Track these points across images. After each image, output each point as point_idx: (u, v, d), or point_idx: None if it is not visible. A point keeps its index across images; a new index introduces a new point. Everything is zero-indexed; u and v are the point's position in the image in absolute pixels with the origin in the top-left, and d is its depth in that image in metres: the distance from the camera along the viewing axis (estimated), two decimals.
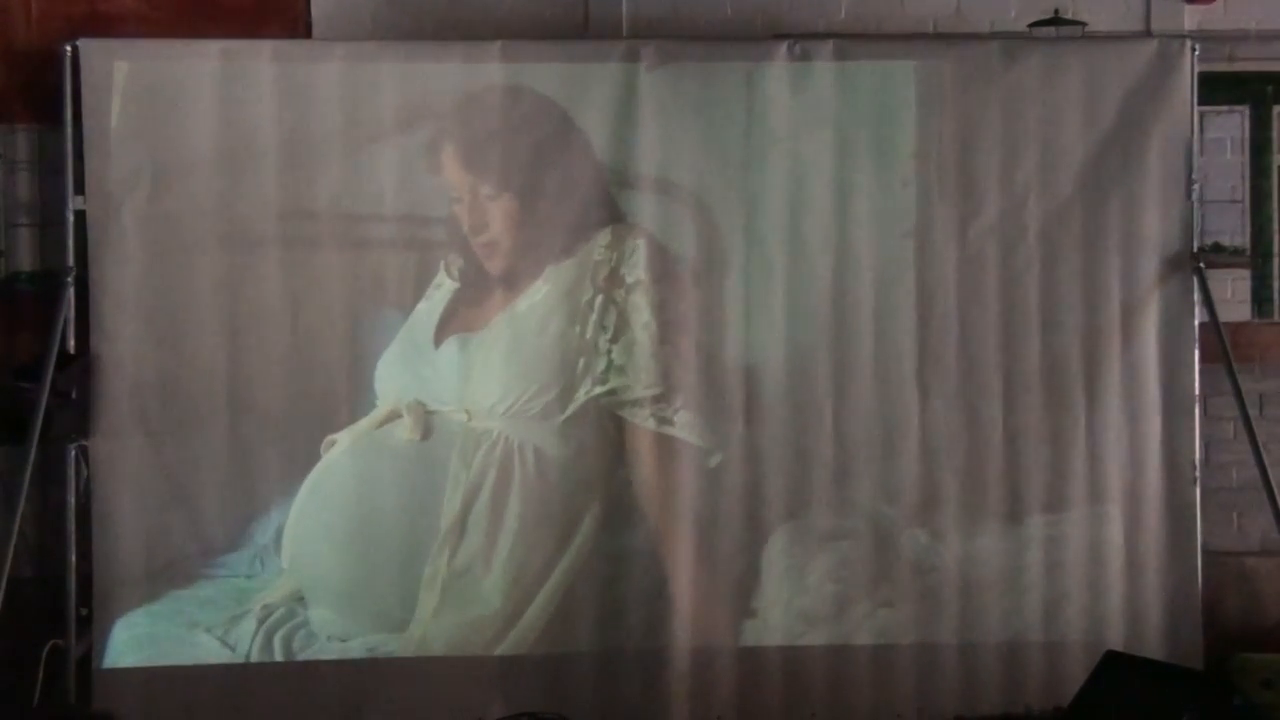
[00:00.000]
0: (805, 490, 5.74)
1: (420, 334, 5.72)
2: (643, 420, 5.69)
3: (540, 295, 5.69)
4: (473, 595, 5.65)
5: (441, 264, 5.72)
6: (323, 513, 5.65)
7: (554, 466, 5.68)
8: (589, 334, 5.68)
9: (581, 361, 5.68)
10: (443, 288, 5.73)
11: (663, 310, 5.70)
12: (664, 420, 5.69)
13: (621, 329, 5.69)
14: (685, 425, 5.70)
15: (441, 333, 5.72)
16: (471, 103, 5.70)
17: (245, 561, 5.66)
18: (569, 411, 5.67)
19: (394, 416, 5.67)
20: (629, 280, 5.69)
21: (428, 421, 5.66)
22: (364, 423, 5.66)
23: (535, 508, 5.66)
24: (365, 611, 5.65)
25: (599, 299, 5.68)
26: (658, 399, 5.69)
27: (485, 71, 5.69)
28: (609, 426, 5.70)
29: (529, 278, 5.71)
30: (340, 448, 5.65)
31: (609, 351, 5.68)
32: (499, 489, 5.65)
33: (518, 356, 5.69)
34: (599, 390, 5.68)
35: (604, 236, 5.70)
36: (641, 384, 5.69)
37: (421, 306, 5.72)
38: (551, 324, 5.69)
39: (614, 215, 5.73)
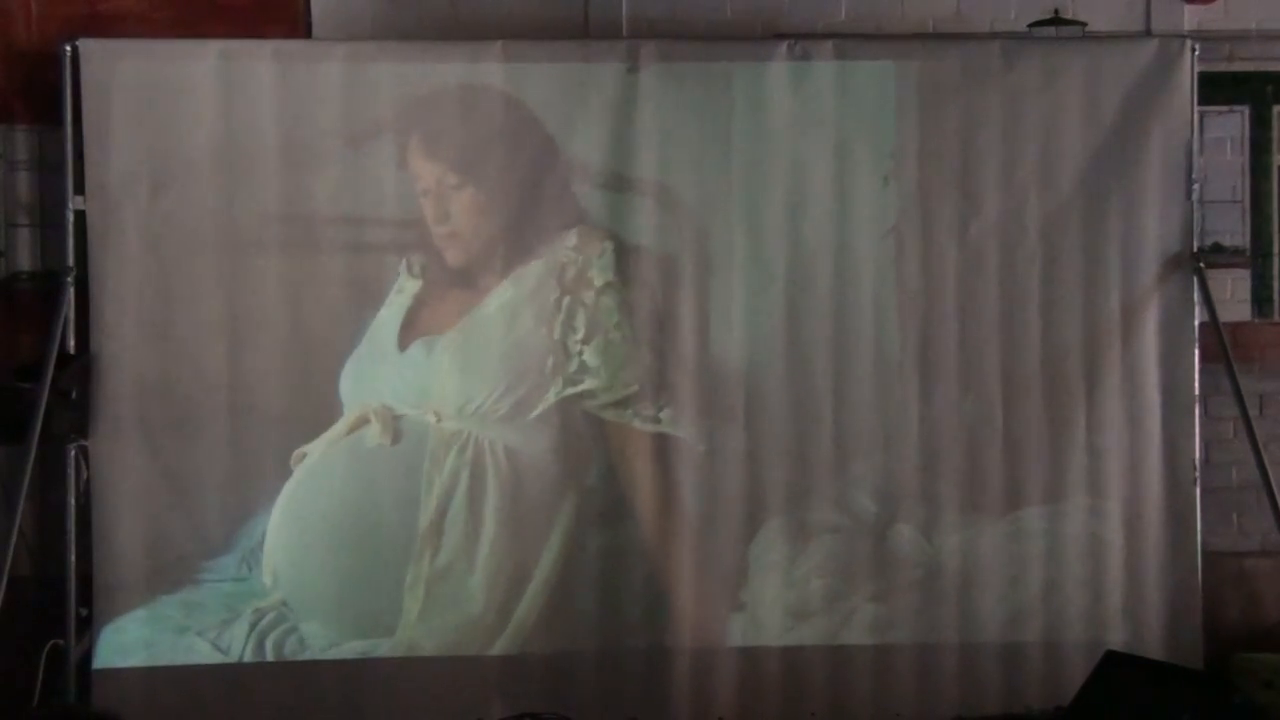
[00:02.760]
0: (794, 485, 5.74)
1: (384, 339, 5.69)
2: (619, 418, 5.69)
3: (506, 296, 5.69)
4: (457, 596, 5.65)
5: (403, 263, 5.71)
6: (301, 527, 5.63)
7: (527, 464, 5.67)
8: (556, 333, 5.67)
9: (550, 361, 5.67)
10: (404, 291, 5.71)
11: (636, 311, 5.69)
12: (644, 419, 5.68)
13: (593, 331, 5.68)
14: (666, 423, 5.68)
15: (406, 335, 5.71)
16: (433, 99, 5.69)
17: (233, 565, 5.64)
18: (538, 411, 5.66)
19: (362, 423, 5.65)
20: (598, 283, 5.68)
21: (396, 426, 5.66)
22: (332, 432, 5.65)
23: (511, 505, 5.66)
24: (351, 621, 5.64)
25: (566, 300, 5.67)
26: (634, 399, 5.68)
27: (442, 72, 5.69)
28: (581, 425, 5.69)
29: (491, 275, 5.71)
30: (311, 459, 5.64)
31: (580, 353, 5.68)
32: (474, 489, 5.64)
33: (484, 357, 5.68)
34: (570, 392, 5.67)
35: (571, 238, 5.70)
36: (619, 384, 5.69)
37: (384, 313, 5.69)
38: (517, 324, 5.68)
39: (578, 214, 5.72)
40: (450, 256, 5.72)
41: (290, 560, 5.64)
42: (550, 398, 5.66)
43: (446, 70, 5.70)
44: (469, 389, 5.66)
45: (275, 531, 5.63)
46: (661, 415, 5.70)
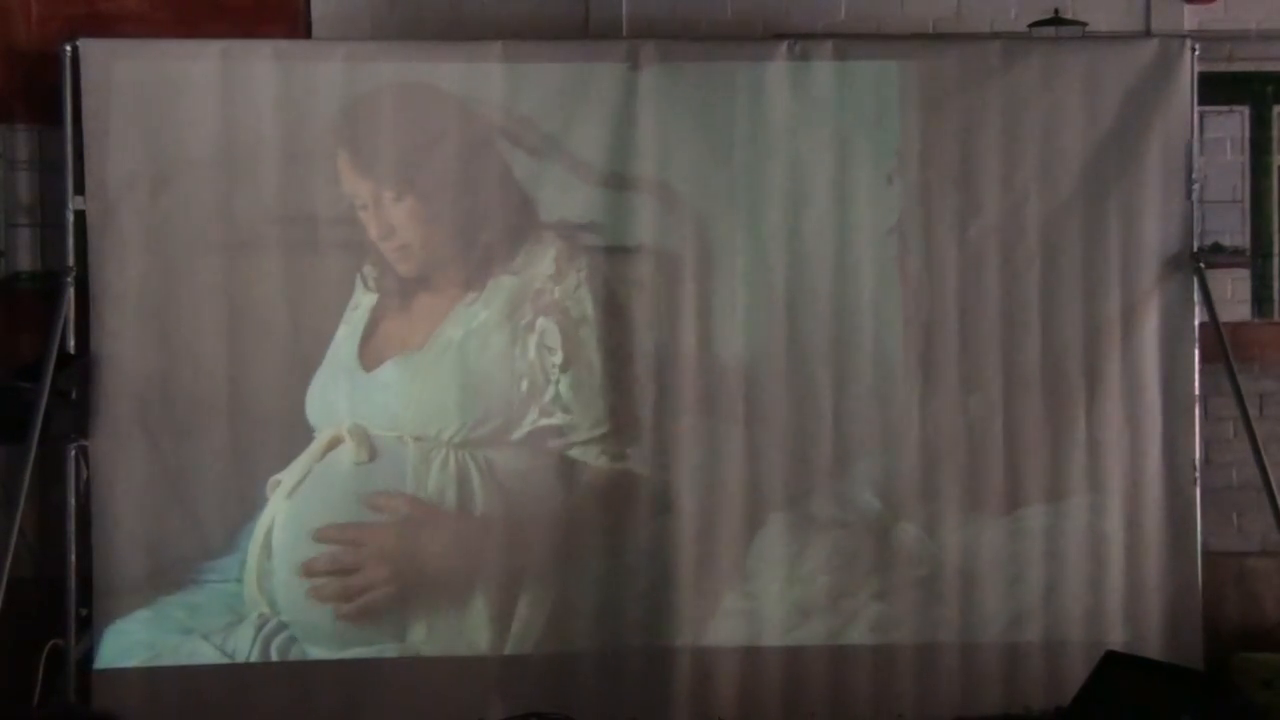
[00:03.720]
0: (795, 484, 5.73)
1: (345, 358, 5.66)
2: (593, 459, 5.66)
3: (478, 320, 5.65)
4: (462, 611, 5.64)
5: (357, 277, 5.67)
6: (292, 556, 5.60)
7: (511, 476, 5.64)
8: (531, 354, 5.64)
9: (525, 382, 5.64)
10: (360, 308, 5.67)
11: (613, 343, 5.67)
12: (616, 457, 5.66)
13: (570, 359, 5.65)
14: (632, 460, 5.67)
15: (369, 351, 5.67)
16: (361, 106, 5.65)
17: (234, 565, 5.62)
18: (516, 436, 5.63)
19: (335, 443, 5.62)
20: (574, 315, 5.65)
21: (371, 443, 5.62)
22: (305, 457, 5.61)
23: (502, 514, 5.64)
24: (357, 645, 5.62)
25: (540, 320, 5.64)
26: (605, 438, 5.66)
27: (373, 71, 5.66)
28: (557, 458, 5.66)
29: (456, 284, 5.67)
30: (288, 487, 5.60)
31: (558, 381, 5.65)
32: (464, 502, 5.62)
33: (460, 383, 5.63)
34: (545, 423, 5.64)
35: (547, 264, 5.65)
36: (590, 423, 5.66)
37: (341, 331, 5.66)
38: (491, 347, 5.64)
39: (529, 208, 5.67)
40: (405, 269, 5.69)
41: (288, 588, 5.60)
42: (527, 425, 5.64)
43: (378, 72, 5.66)
44: (445, 415, 5.62)
45: (263, 564, 5.59)
46: (628, 453, 5.66)
